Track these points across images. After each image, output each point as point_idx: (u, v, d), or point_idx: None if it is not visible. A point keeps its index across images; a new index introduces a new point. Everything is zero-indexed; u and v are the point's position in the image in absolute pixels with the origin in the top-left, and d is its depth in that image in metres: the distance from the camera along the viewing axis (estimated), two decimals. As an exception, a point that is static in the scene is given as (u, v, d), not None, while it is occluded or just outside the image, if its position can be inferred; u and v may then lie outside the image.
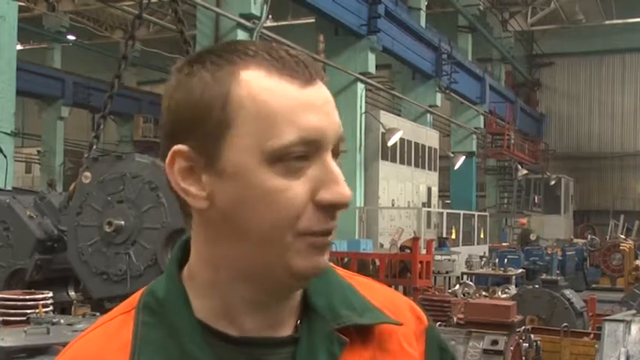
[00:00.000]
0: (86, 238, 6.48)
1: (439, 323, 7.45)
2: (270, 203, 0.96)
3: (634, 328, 6.38)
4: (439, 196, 24.76)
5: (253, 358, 1.03)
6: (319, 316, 1.06)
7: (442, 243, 17.83)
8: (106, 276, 6.30)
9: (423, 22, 22.59)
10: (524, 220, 25.93)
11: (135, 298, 1.09)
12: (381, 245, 16.59)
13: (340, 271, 1.16)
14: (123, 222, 6.29)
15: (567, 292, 9.68)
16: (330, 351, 1.04)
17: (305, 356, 1.03)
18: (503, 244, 24.35)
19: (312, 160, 0.98)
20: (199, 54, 1.03)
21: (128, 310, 1.07)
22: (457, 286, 12.33)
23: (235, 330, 1.03)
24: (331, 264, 1.15)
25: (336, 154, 1.01)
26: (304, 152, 0.97)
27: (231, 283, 1.03)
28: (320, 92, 1.01)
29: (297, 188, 0.97)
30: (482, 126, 28.21)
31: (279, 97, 0.97)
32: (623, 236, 23.02)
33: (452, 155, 26.35)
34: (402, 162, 20.26)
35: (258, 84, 0.98)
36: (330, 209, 0.98)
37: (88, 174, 6.49)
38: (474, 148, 27.70)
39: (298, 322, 1.07)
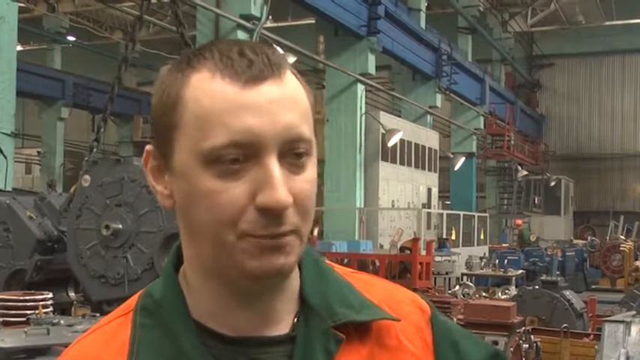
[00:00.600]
0: (85, 241, 6.49)
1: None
2: (207, 204, 0.97)
3: (634, 329, 6.38)
4: (439, 197, 24.76)
5: (249, 357, 1.03)
6: (315, 314, 1.06)
7: (442, 244, 17.85)
8: (104, 279, 6.32)
9: (422, 23, 22.57)
10: (519, 221, 25.86)
11: (132, 300, 1.09)
12: (381, 246, 16.59)
13: (339, 269, 1.17)
14: (120, 225, 6.30)
15: (567, 293, 9.68)
16: (326, 348, 1.04)
17: (301, 354, 1.04)
18: (503, 245, 24.37)
19: (252, 162, 0.96)
20: (180, 57, 1.06)
21: (126, 313, 1.08)
22: (457, 287, 12.35)
23: (230, 329, 1.04)
24: (330, 262, 1.16)
25: (294, 155, 0.99)
26: (238, 155, 0.96)
27: (205, 281, 1.04)
28: (265, 92, 0.97)
29: (234, 190, 0.96)
30: (482, 127, 28.20)
31: (215, 99, 0.97)
32: (623, 237, 23.02)
33: (452, 156, 26.36)
34: (402, 163, 20.26)
35: (200, 86, 0.99)
36: (269, 214, 0.96)
37: (87, 177, 6.50)
38: (474, 149, 27.70)
39: (295, 320, 1.07)
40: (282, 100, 0.98)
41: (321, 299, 1.08)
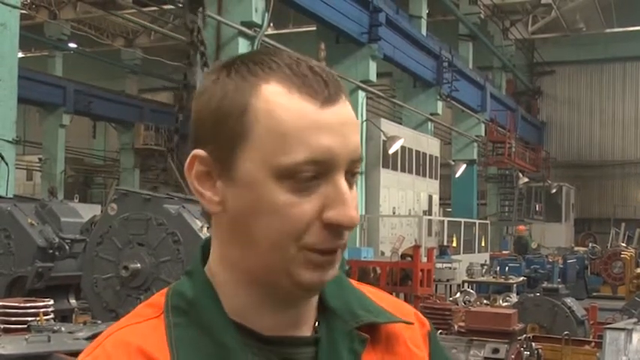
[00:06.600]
0: (102, 270, 6.42)
1: (440, 331, 7.44)
2: (277, 217, 0.99)
3: (635, 336, 6.38)
4: (440, 204, 24.75)
5: (281, 356, 1.05)
6: (337, 316, 1.10)
7: (443, 251, 17.81)
8: (115, 314, 6.19)
9: (423, 30, 22.61)
10: (522, 227, 25.73)
11: (159, 301, 1.09)
12: (382, 253, 16.57)
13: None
14: (139, 265, 6.23)
15: (568, 301, 9.67)
16: (351, 349, 1.08)
17: (328, 354, 1.07)
18: (504, 252, 24.32)
19: (324, 179, 0.99)
20: (230, 61, 1.06)
21: (157, 315, 1.07)
22: (458, 294, 12.33)
23: (259, 329, 1.06)
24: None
25: (351, 174, 1.03)
26: (314, 172, 0.98)
27: (242, 284, 1.06)
28: (339, 113, 1.01)
29: (305, 205, 0.99)
30: (483, 134, 28.20)
31: (294, 116, 0.99)
32: (624, 244, 22.98)
33: (453, 163, 26.34)
34: (403, 170, 20.26)
35: (276, 100, 0.99)
36: (335, 229, 1.00)
37: (114, 205, 6.44)
38: (475, 156, 27.69)
39: (316, 323, 1.10)
40: (351, 122, 1.03)
41: (341, 303, 1.11)
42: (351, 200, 1.00)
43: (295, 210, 0.98)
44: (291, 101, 0.99)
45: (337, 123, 1.00)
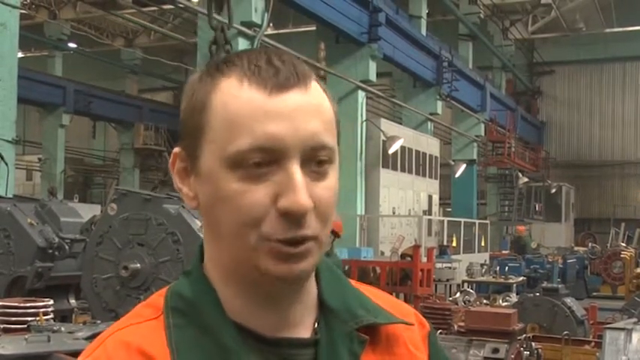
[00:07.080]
0: (101, 270, 6.42)
1: (440, 331, 7.45)
2: (232, 205, 1.00)
3: (635, 336, 6.38)
4: (440, 203, 24.74)
5: (280, 357, 1.05)
6: (336, 316, 1.09)
7: (443, 251, 17.80)
8: (115, 314, 6.18)
9: (423, 30, 22.60)
10: (522, 227, 25.66)
11: (158, 301, 1.09)
12: (382, 253, 16.57)
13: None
14: (139, 265, 6.22)
15: (568, 300, 9.66)
16: (351, 350, 1.08)
17: (327, 356, 1.06)
18: (504, 251, 24.31)
19: (276, 167, 0.99)
20: (208, 64, 1.10)
21: (156, 317, 1.07)
22: (458, 294, 12.34)
23: (258, 329, 1.05)
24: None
25: (315, 162, 1.01)
26: (260, 159, 0.99)
27: (230, 282, 1.06)
28: (290, 99, 1.01)
29: (257, 193, 0.99)
30: (482, 134, 28.19)
31: (241, 105, 1.00)
32: (623, 244, 22.99)
33: (453, 163, 26.32)
34: (402, 170, 20.25)
35: (228, 92, 1.02)
36: (290, 217, 0.99)
37: (114, 205, 6.44)
38: (475, 156, 27.67)
39: (316, 324, 1.09)
40: (307, 108, 1.02)
41: (341, 303, 1.11)
42: (303, 187, 0.99)
43: (247, 198, 0.99)
44: (241, 91, 1.01)
45: (287, 109, 1.00)
